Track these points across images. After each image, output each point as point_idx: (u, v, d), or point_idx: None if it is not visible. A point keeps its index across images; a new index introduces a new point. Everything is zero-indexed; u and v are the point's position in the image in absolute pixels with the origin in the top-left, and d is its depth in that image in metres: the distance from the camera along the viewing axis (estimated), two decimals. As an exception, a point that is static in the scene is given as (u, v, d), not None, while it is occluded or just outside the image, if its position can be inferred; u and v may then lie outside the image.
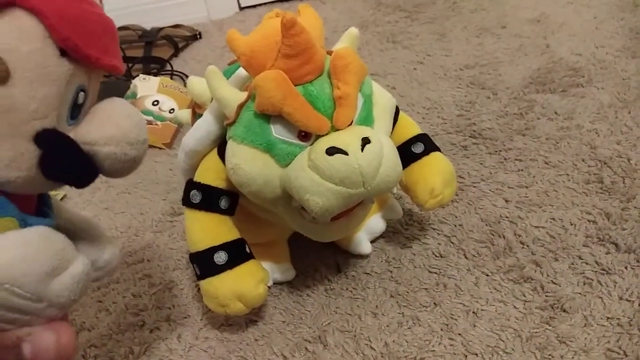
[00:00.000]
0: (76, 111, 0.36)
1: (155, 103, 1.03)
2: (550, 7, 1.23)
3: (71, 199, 0.89)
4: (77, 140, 0.35)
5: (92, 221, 0.48)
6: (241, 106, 0.51)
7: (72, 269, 0.33)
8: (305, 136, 0.51)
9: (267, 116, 0.50)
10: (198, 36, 1.38)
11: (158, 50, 1.30)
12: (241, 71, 0.57)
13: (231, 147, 0.52)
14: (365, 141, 0.48)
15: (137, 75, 1.10)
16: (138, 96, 1.04)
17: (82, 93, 0.36)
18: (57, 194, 0.89)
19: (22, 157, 0.33)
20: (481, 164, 0.81)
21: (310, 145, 0.50)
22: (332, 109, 0.50)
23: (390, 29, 1.26)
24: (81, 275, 0.34)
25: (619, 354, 0.53)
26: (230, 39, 0.52)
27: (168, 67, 1.22)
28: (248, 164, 0.51)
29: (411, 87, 1.02)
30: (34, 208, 0.38)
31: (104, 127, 0.36)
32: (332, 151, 0.48)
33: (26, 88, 0.32)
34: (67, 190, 0.90)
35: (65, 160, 0.34)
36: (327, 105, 0.50)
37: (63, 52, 0.33)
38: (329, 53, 0.53)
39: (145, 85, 1.06)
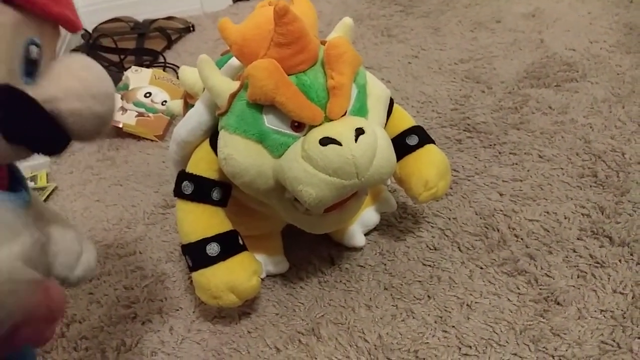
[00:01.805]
0: (30, 67, 0.33)
1: (148, 95, 1.02)
2: (545, 2, 1.23)
3: (62, 191, 0.88)
4: (36, 99, 0.32)
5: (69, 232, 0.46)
6: (233, 96, 0.51)
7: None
8: (299, 126, 0.50)
9: (260, 106, 0.49)
10: (191, 28, 1.37)
11: (151, 42, 1.28)
12: (233, 60, 0.56)
13: (223, 137, 0.52)
14: (359, 132, 0.48)
15: (130, 67, 1.09)
16: (130, 88, 1.03)
17: (34, 47, 0.33)
18: (46, 186, 0.88)
19: None
20: (476, 157, 0.81)
21: (304, 135, 0.50)
22: (325, 99, 0.50)
23: (385, 22, 1.25)
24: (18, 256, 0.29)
25: (612, 346, 0.53)
26: (223, 28, 0.51)
27: (161, 59, 1.21)
28: (240, 154, 0.50)
29: (406, 81, 1.02)
30: (6, 185, 0.36)
31: (62, 80, 0.34)
32: (325, 141, 0.47)
33: None
34: (57, 182, 0.89)
35: (25, 118, 0.32)
36: (320, 95, 0.50)
37: (6, 0, 0.31)
38: (323, 43, 0.53)
39: (138, 77, 1.05)
